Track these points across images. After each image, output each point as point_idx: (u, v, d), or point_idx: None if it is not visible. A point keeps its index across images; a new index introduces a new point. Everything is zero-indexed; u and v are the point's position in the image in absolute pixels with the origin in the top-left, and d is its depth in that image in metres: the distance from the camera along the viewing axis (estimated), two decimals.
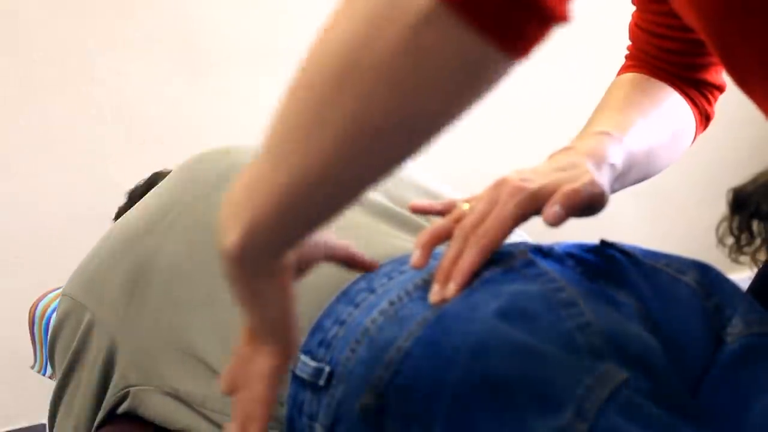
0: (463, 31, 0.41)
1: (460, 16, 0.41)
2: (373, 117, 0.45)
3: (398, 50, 0.43)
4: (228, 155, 0.90)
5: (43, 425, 1.11)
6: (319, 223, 0.54)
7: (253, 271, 0.54)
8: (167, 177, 0.93)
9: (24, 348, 1.50)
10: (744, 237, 1.34)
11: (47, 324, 1.36)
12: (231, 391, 0.61)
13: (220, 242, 0.53)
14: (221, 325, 0.78)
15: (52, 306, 1.38)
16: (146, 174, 1.29)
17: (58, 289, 1.41)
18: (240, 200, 0.51)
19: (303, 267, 0.59)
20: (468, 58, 0.43)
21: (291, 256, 0.56)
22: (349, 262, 0.64)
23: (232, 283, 0.55)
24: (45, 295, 1.44)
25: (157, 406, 0.83)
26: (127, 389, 0.85)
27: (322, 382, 0.66)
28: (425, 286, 0.66)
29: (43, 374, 1.39)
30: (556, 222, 0.66)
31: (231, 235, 0.52)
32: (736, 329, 0.68)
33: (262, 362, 0.58)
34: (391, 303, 0.66)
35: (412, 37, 0.42)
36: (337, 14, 0.46)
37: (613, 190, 0.77)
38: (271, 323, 0.57)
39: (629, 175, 0.81)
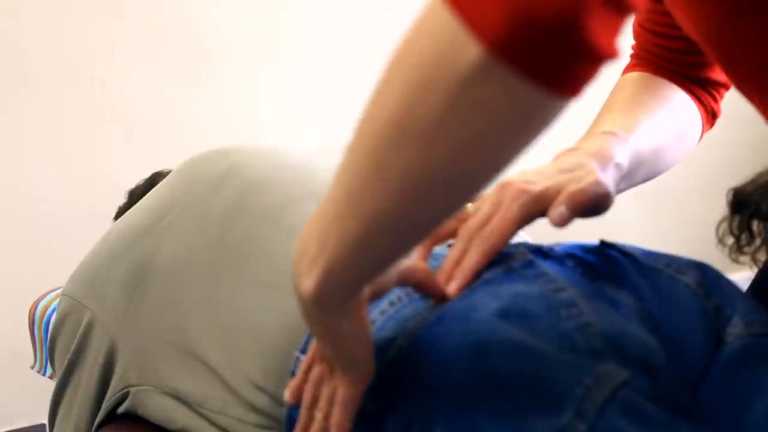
0: (514, 80, 0.41)
1: (510, 66, 0.41)
2: (432, 170, 0.46)
3: (450, 107, 0.43)
4: (227, 156, 0.90)
5: (43, 425, 1.11)
6: (390, 262, 0.57)
7: (330, 311, 0.56)
8: (167, 177, 0.93)
9: (24, 348, 1.50)
10: (744, 237, 1.34)
11: (47, 324, 1.36)
12: (295, 402, 0.65)
13: (297, 289, 0.56)
14: (220, 326, 0.78)
15: (52, 306, 1.38)
16: (146, 174, 1.29)
17: (58, 289, 1.41)
18: (311, 248, 0.54)
19: (377, 296, 0.61)
20: (521, 105, 0.43)
21: (365, 290, 0.58)
22: (421, 288, 0.65)
23: (310, 323, 0.58)
24: (45, 295, 1.45)
25: (156, 406, 0.83)
26: (126, 389, 0.85)
27: None
28: None
29: (43, 374, 1.39)
30: (561, 223, 0.67)
31: (307, 281, 0.54)
32: (736, 329, 0.68)
33: (342, 392, 0.60)
34: (391, 303, 0.66)
35: (462, 92, 0.42)
36: (388, 75, 0.47)
37: (620, 190, 0.77)
38: (349, 355, 0.59)
39: (636, 175, 0.81)
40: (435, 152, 0.45)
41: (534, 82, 0.42)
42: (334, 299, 0.56)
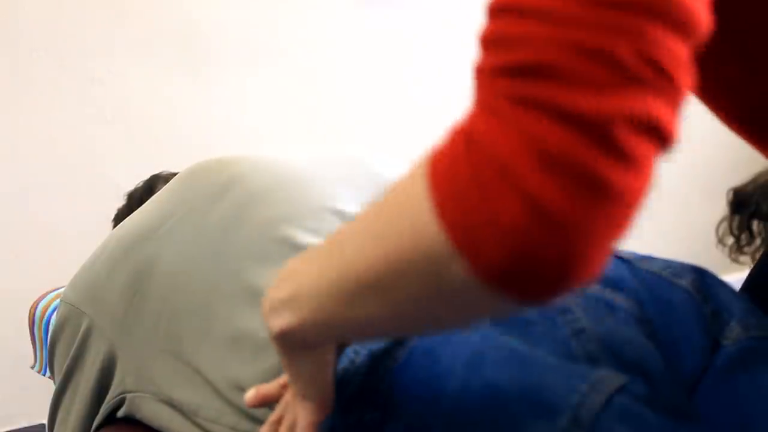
0: (496, 296, 0.40)
1: (496, 290, 0.39)
2: (386, 315, 0.46)
3: (419, 296, 0.43)
4: (228, 166, 0.90)
5: (43, 425, 1.11)
6: (359, 338, 0.60)
7: (293, 351, 0.58)
8: (167, 185, 0.92)
9: (24, 348, 1.50)
10: (744, 237, 1.34)
11: (47, 324, 1.36)
12: (253, 405, 0.68)
13: (264, 318, 0.57)
14: (216, 336, 0.78)
15: (52, 306, 1.38)
16: (146, 174, 1.30)
17: (58, 289, 1.41)
18: (285, 291, 0.54)
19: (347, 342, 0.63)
20: (492, 309, 0.43)
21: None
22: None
23: (277, 351, 0.59)
24: (45, 296, 1.44)
25: (151, 414, 0.83)
26: (123, 395, 0.85)
27: None
28: None
29: (43, 374, 1.39)
30: None
31: (275, 321, 0.55)
32: (733, 333, 0.68)
33: (303, 417, 0.61)
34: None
35: (437, 292, 0.42)
36: (367, 228, 0.45)
37: None
38: (308, 386, 0.60)
39: None
40: (389, 311, 0.45)
41: (515, 300, 0.40)
42: (298, 345, 0.57)
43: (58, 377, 0.91)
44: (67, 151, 1.92)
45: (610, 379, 0.57)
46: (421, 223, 0.40)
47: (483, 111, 0.39)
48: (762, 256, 0.89)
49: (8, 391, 1.88)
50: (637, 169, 0.38)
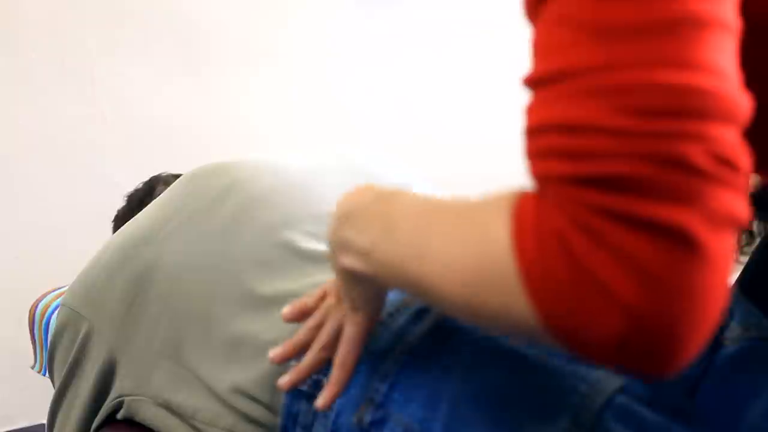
0: (556, 341, 0.42)
1: (563, 344, 0.42)
2: (446, 298, 0.47)
3: (482, 316, 0.45)
4: (230, 171, 0.90)
5: (43, 425, 1.11)
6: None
7: (355, 280, 0.59)
8: (168, 189, 0.92)
9: (24, 348, 1.50)
10: (744, 237, 1.34)
11: (47, 324, 1.36)
12: (290, 318, 0.68)
13: (335, 249, 0.58)
14: (215, 340, 0.78)
15: (52, 306, 1.38)
16: (146, 174, 1.29)
17: (58, 289, 1.42)
18: (366, 237, 0.55)
19: None
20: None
21: None
22: None
23: (333, 268, 0.60)
24: (45, 295, 1.44)
25: (149, 417, 0.83)
26: (121, 398, 0.85)
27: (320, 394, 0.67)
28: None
29: (44, 374, 1.39)
30: None
31: (348, 261, 0.57)
32: (733, 333, 0.68)
33: (351, 326, 0.63)
34: (390, 315, 0.66)
35: (502, 322, 0.44)
36: (439, 238, 0.47)
37: None
38: (363, 303, 0.61)
39: None
40: (459, 314, 0.47)
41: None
42: (360, 279, 0.58)
43: (58, 381, 0.91)
44: (67, 151, 1.92)
45: (609, 379, 0.57)
46: (511, 295, 0.42)
47: (573, 225, 0.40)
48: (757, 254, 0.89)
49: (8, 391, 1.88)
50: (722, 265, 0.40)
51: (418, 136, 2.28)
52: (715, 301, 0.40)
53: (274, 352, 0.67)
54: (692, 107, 0.39)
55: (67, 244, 1.87)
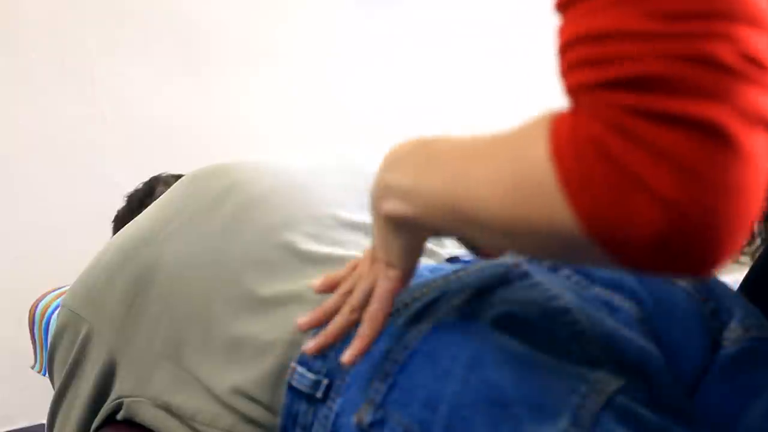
0: (596, 249, 0.43)
1: (604, 249, 0.42)
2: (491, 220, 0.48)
3: (543, 248, 0.47)
4: (230, 172, 0.90)
5: (43, 425, 1.11)
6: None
7: (395, 229, 0.59)
8: (169, 190, 0.93)
9: (24, 348, 1.50)
10: None
11: (47, 324, 1.36)
12: (322, 291, 0.67)
13: (377, 198, 0.58)
14: (215, 341, 0.78)
15: (52, 306, 1.38)
16: (146, 174, 1.29)
17: (58, 289, 1.41)
18: (408, 190, 0.55)
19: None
20: (578, 252, 0.45)
21: None
22: None
23: (374, 220, 0.60)
24: (45, 296, 1.44)
25: (149, 418, 0.83)
26: (120, 399, 0.85)
27: (319, 395, 0.67)
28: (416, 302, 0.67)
29: (44, 374, 1.39)
30: None
31: (390, 205, 0.57)
32: (733, 333, 0.68)
33: (385, 282, 0.62)
34: (390, 315, 0.66)
35: (545, 239, 0.45)
36: (486, 167, 0.48)
37: None
38: (399, 257, 0.61)
39: None
40: (505, 244, 0.50)
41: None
42: (400, 226, 0.58)
43: (58, 382, 0.91)
44: (67, 151, 1.92)
45: (609, 380, 0.57)
46: (553, 205, 0.43)
47: (607, 128, 0.41)
48: (759, 256, 0.89)
49: (8, 391, 1.88)
50: (758, 163, 0.40)
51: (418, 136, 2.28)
52: (751, 198, 0.41)
53: (302, 320, 0.66)
54: (720, 9, 0.40)
55: (67, 244, 1.87)
